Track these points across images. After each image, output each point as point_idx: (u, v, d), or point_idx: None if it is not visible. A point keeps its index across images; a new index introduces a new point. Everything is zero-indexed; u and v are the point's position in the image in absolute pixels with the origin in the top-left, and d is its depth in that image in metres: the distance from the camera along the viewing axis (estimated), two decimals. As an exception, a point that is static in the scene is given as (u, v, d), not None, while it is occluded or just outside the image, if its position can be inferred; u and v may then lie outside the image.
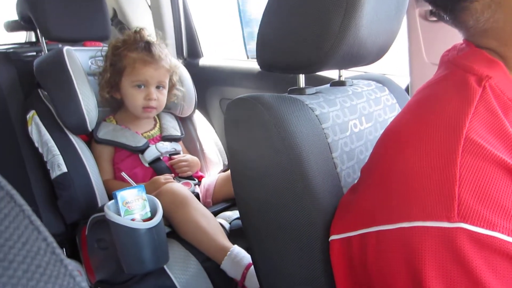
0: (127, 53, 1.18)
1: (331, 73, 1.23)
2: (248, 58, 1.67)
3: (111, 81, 1.20)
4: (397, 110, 0.82)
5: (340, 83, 0.78)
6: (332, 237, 0.51)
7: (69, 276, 0.21)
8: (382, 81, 0.85)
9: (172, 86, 1.29)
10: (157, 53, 1.19)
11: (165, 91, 1.25)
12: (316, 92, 0.70)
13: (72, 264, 0.22)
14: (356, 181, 0.65)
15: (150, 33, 1.25)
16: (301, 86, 0.69)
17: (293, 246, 0.57)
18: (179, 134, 1.34)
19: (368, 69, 1.06)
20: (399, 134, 0.48)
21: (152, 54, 1.18)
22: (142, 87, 1.19)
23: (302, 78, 0.69)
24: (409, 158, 0.43)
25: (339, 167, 0.61)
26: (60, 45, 1.27)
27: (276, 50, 0.65)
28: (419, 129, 0.44)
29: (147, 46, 1.19)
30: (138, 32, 1.22)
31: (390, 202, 0.43)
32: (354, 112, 0.70)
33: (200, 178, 1.30)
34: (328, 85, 0.81)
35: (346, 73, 0.81)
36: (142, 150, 1.22)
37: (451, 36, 1.01)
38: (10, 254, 0.19)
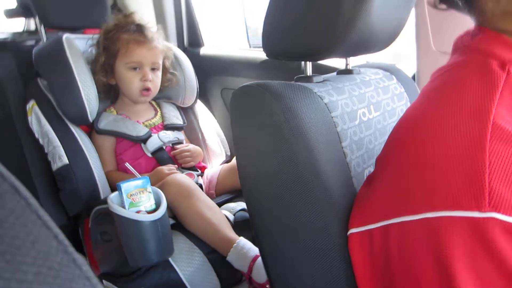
0: (119, 35, 1.17)
1: (335, 63, 1.21)
2: (250, 47, 1.64)
3: (105, 65, 1.18)
4: (405, 99, 0.80)
5: (347, 72, 0.76)
6: (351, 231, 0.50)
7: (85, 279, 0.19)
8: (389, 70, 0.83)
9: (165, 70, 1.28)
10: (149, 34, 1.19)
11: (159, 73, 1.23)
12: (323, 80, 0.68)
13: (85, 264, 0.20)
14: (365, 171, 0.64)
15: (141, 17, 1.25)
16: (308, 74, 0.67)
17: (304, 239, 0.56)
18: (182, 122, 1.32)
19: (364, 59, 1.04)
20: (417, 122, 0.46)
21: (144, 34, 1.18)
22: (137, 69, 1.18)
23: (309, 65, 0.68)
24: (431, 146, 0.41)
25: (348, 156, 0.59)
26: (60, 33, 1.24)
27: (283, 37, 0.63)
28: (440, 116, 0.43)
29: (139, 28, 1.18)
30: (128, 15, 1.21)
31: (412, 192, 0.41)
32: (363, 101, 0.68)
33: (202, 169, 1.28)
34: (335, 73, 0.79)
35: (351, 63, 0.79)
36: (144, 139, 1.20)
37: (460, 24, 0.99)
38: (18, 255, 0.16)
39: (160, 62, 1.23)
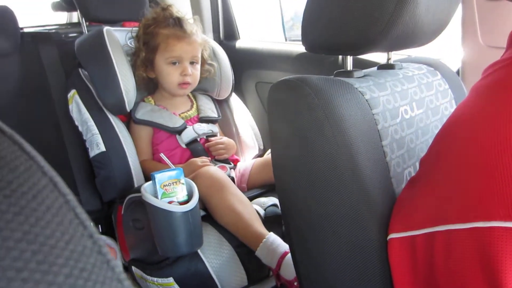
0: (159, 30, 1.18)
1: (376, 57, 1.17)
2: (286, 40, 1.62)
3: (146, 60, 1.20)
4: (449, 96, 0.76)
5: (389, 66, 0.73)
6: (391, 236, 0.47)
7: (117, 281, 0.18)
8: (433, 65, 0.79)
9: (204, 61, 1.29)
10: (188, 28, 1.19)
11: (199, 66, 1.24)
12: (364, 75, 0.65)
13: (118, 266, 0.19)
14: (405, 172, 0.61)
15: (178, 9, 1.25)
16: (349, 68, 0.65)
17: (337, 238, 0.54)
18: (216, 115, 1.33)
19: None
20: (470, 121, 0.43)
21: (184, 29, 1.18)
22: (177, 63, 1.19)
23: (350, 60, 0.65)
24: (486, 147, 0.38)
25: (388, 156, 0.57)
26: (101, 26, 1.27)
27: (323, 30, 0.61)
28: (497, 114, 0.39)
29: (178, 22, 1.19)
30: (166, 9, 1.22)
31: (462, 198, 0.38)
32: (405, 97, 0.65)
33: (235, 162, 1.28)
34: (375, 68, 0.76)
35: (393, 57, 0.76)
36: (180, 131, 1.21)
37: (511, 16, 0.93)
38: (51, 255, 0.16)
39: (199, 56, 1.24)
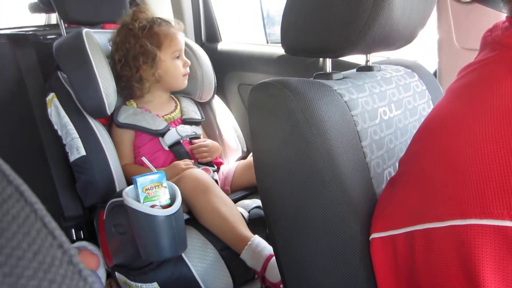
0: (157, 28, 1.21)
1: (355, 59, 1.18)
2: (268, 42, 1.63)
3: (153, 61, 1.21)
4: (427, 97, 0.78)
5: (367, 68, 0.74)
6: (373, 235, 0.48)
7: None
8: (411, 67, 0.80)
9: None
10: (173, 22, 1.26)
11: None
12: (343, 77, 0.66)
13: (91, 275, 0.18)
14: (385, 172, 0.62)
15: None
16: (328, 71, 0.66)
17: (321, 239, 0.54)
18: (199, 117, 1.33)
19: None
20: (445, 122, 0.44)
21: (171, 23, 1.25)
22: (179, 57, 1.25)
23: (329, 62, 0.66)
24: (461, 147, 0.39)
25: (368, 156, 0.58)
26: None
27: (302, 33, 0.62)
28: (471, 115, 0.40)
29: (162, 19, 1.24)
30: (143, 11, 1.24)
31: (439, 197, 0.39)
32: (383, 99, 0.66)
33: (219, 164, 1.28)
34: (355, 70, 0.77)
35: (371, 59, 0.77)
36: (163, 133, 1.20)
37: (485, 18, 0.96)
38: (17, 267, 0.15)
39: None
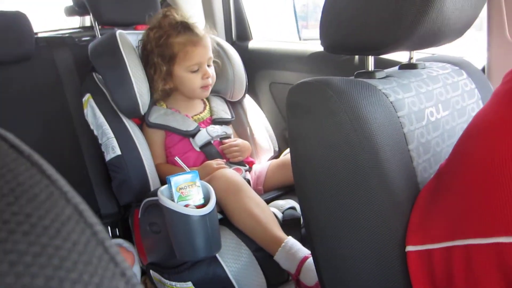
0: (172, 40, 1.15)
1: (396, 56, 1.13)
2: (300, 39, 1.60)
3: (165, 73, 1.18)
4: (476, 96, 0.73)
5: (411, 66, 0.71)
6: (409, 248, 0.45)
7: None
8: (458, 64, 0.76)
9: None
10: (199, 30, 1.18)
11: (213, 65, 1.24)
12: (387, 76, 0.63)
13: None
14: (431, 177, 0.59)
15: (177, 11, 1.22)
16: (370, 69, 0.63)
17: (364, 250, 0.52)
18: (230, 117, 1.31)
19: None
20: (490, 131, 0.40)
21: (195, 33, 1.17)
22: (198, 69, 1.18)
23: (371, 60, 0.63)
24: (507, 160, 0.36)
25: (415, 160, 0.55)
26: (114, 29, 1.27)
27: (344, 30, 0.59)
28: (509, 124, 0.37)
29: (187, 26, 1.17)
30: (167, 15, 1.19)
31: (482, 212, 0.36)
32: (431, 99, 0.63)
33: (250, 164, 1.27)
34: (396, 68, 0.73)
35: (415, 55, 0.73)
36: (193, 134, 1.20)
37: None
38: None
39: (212, 55, 1.23)
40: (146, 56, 1.20)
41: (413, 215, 0.49)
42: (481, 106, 0.72)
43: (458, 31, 0.62)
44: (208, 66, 1.21)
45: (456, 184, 0.43)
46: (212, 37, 1.28)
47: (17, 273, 0.13)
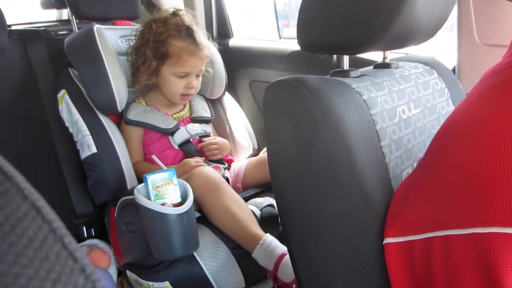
0: (171, 41, 1.13)
1: (371, 55, 1.16)
2: (280, 38, 1.61)
3: (152, 68, 1.16)
4: (446, 95, 0.75)
5: (385, 66, 0.72)
6: (387, 240, 0.46)
7: None
8: (430, 64, 0.78)
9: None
10: (201, 41, 1.15)
11: (201, 77, 1.22)
12: (361, 75, 0.64)
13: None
14: (403, 173, 0.60)
15: (186, 15, 1.19)
16: (345, 68, 0.64)
17: (339, 246, 0.53)
18: (209, 115, 1.31)
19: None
20: (468, 126, 0.42)
21: (197, 43, 1.14)
22: (184, 76, 1.17)
23: (346, 59, 0.64)
24: (485, 154, 0.37)
25: (387, 157, 0.56)
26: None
27: (320, 29, 0.60)
28: (496, 121, 0.38)
29: (191, 33, 1.14)
30: (177, 14, 1.16)
31: (460, 203, 0.37)
32: (402, 97, 0.64)
33: (229, 162, 1.27)
34: (371, 67, 0.75)
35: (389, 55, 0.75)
36: (172, 132, 1.19)
37: (509, 13, 0.92)
38: None
39: (204, 68, 1.21)
40: (140, 44, 1.18)
41: (392, 207, 0.50)
42: (451, 104, 0.74)
43: (429, 32, 0.64)
44: (197, 76, 1.19)
45: (434, 176, 0.44)
46: (211, 51, 1.26)
47: None
